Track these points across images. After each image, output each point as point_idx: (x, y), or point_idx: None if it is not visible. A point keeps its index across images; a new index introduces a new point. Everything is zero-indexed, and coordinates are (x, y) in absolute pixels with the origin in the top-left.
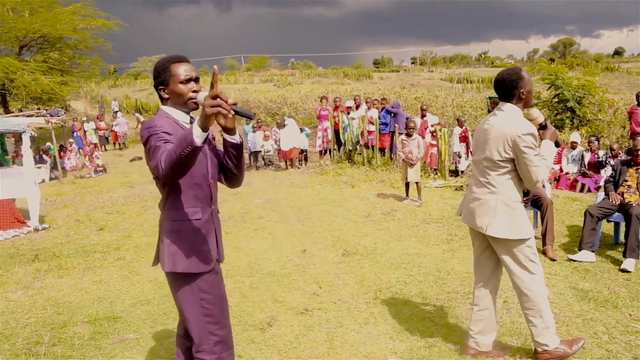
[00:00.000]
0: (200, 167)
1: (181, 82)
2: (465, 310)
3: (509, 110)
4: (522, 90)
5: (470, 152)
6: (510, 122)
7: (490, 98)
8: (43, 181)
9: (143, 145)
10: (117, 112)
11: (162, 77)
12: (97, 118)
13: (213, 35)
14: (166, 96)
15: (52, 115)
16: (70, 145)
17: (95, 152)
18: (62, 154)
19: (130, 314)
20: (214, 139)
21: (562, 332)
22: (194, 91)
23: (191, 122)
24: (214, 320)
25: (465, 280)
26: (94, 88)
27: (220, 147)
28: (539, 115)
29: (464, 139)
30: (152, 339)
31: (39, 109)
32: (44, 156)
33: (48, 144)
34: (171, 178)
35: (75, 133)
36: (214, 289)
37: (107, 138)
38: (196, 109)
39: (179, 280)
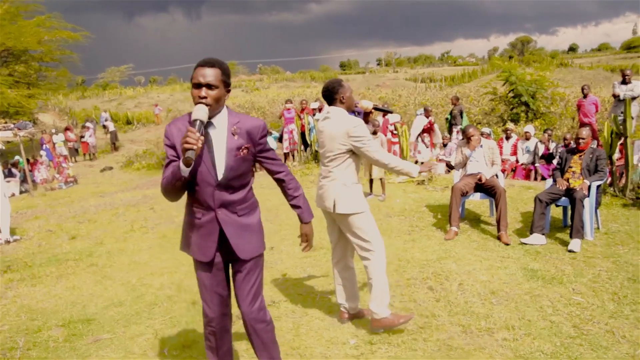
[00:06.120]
0: (204, 176)
1: (194, 86)
2: (423, 294)
3: None
4: None
5: (433, 143)
6: None
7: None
8: (13, 195)
9: None
10: (105, 124)
11: (191, 77)
12: (66, 130)
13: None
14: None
15: (20, 129)
16: (40, 158)
17: (65, 163)
18: (32, 166)
19: (104, 315)
20: (246, 148)
21: (511, 308)
22: (202, 97)
23: (203, 123)
24: (205, 303)
25: (423, 267)
26: (62, 100)
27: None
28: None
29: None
30: (125, 338)
31: (5, 122)
32: (13, 170)
33: (17, 157)
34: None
35: (44, 145)
36: (204, 279)
37: (76, 149)
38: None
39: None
